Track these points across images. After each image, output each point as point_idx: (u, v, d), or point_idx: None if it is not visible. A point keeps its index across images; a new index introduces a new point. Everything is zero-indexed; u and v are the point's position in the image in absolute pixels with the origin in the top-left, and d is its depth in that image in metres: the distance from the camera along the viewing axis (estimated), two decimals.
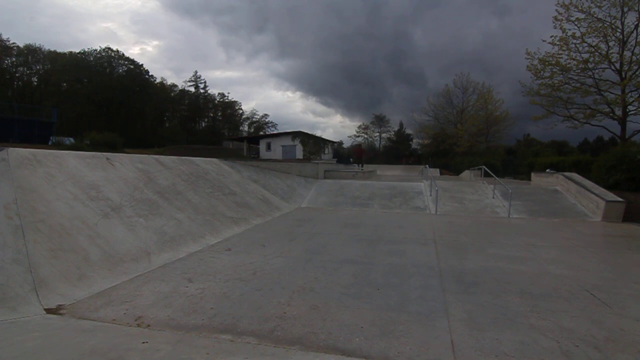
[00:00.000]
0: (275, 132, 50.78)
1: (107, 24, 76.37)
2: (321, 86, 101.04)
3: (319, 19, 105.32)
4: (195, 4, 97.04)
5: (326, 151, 38.35)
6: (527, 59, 20.45)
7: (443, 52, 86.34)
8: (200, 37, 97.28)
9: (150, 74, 53.01)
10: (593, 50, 18.36)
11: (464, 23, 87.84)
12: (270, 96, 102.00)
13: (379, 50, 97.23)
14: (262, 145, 35.78)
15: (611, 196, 9.98)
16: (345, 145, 61.98)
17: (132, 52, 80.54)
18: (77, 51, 47.99)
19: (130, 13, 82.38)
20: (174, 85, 61.91)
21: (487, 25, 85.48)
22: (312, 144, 33.84)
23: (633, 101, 17.71)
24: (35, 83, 47.35)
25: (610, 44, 18.15)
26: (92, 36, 73.06)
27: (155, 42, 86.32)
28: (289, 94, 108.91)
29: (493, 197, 11.96)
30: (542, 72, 19.97)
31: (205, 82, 63.12)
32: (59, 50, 48.45)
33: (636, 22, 17.19)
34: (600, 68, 18.72)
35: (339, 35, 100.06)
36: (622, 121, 18.40)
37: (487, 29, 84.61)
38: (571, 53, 18.90)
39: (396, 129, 61.00)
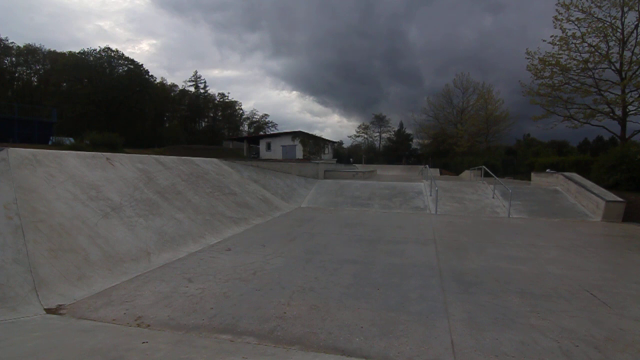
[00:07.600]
0: (275, 132, 50.75)
1: (103, 22, 76.17)
2: (318, 85, 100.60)
3: (312, 17, 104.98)
4: (185, 1, 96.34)
5: (326, 151, 38.37)
6: (527, 58, 20.46)
7: (438, 51, 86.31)
8: (193, 35, 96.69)
9: (150, 74, 53.02)
10: (593, 50, 18.35)
11: (458, 21, 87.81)
12: (267, 96, 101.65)
13: (374, 49, 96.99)
14: (262, 145, 35.77)
15: (611, 196, 9.98)
16: (345, 145, 62.04)
17: (130, 50, 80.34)
18: (77, 51, 47.98)
19: (126, 11, 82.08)
20: (174, 85, 61.88)
21: (481, 23, 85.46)
22: (312, 143, 33.83)
23: (633, 101, 17.69)
24: (35, 83, 47.31)
25: (611, 44, 18.14)
26: (89, 35, 72.84)
27: (152, 41, 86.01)
28: (285, 93, 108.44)
29: (493, 197, 11.96)
30: (542, 72, 19.97)
31: (205, 82, 63.16)
32: (57, 49, 48.54)
33: (636, 22, 17.18)
34: (600, 68, 18.71)
35: (333, 33, 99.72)
36: (622, 121, 18.39)
37: (482, 26, 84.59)
38: (571, 53, 18.89)
39: (396, 129, 60.97)
